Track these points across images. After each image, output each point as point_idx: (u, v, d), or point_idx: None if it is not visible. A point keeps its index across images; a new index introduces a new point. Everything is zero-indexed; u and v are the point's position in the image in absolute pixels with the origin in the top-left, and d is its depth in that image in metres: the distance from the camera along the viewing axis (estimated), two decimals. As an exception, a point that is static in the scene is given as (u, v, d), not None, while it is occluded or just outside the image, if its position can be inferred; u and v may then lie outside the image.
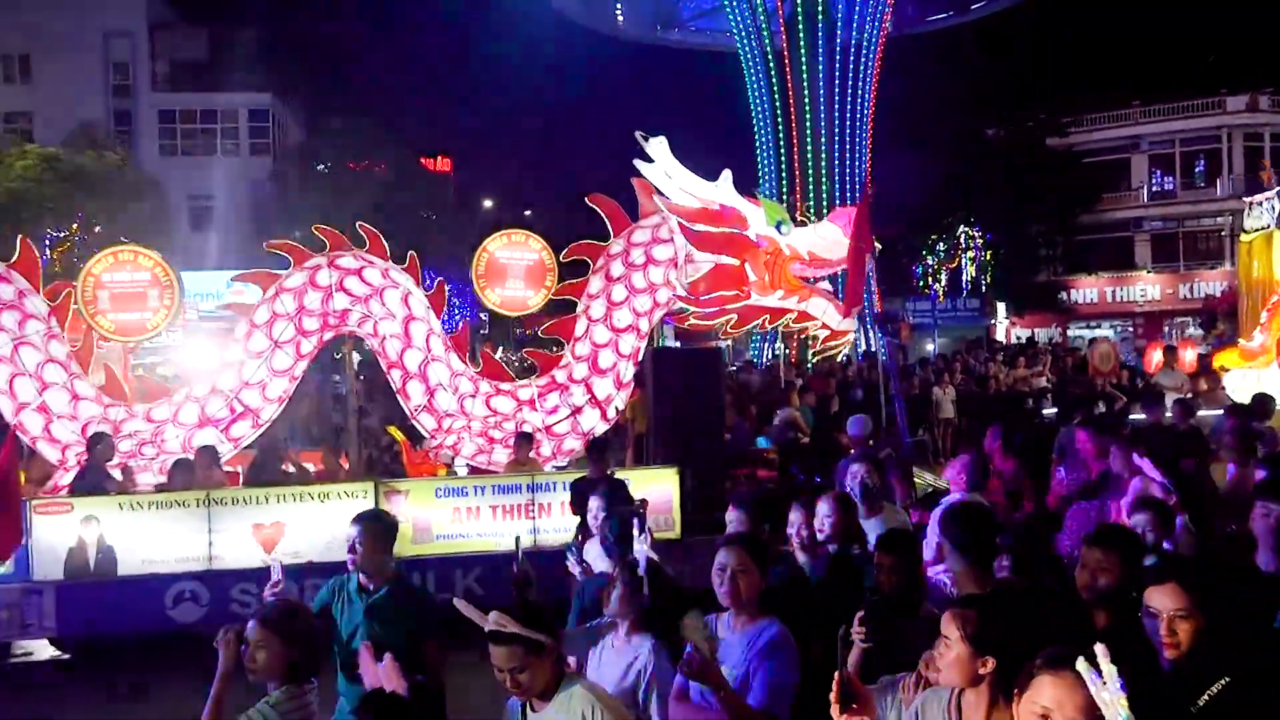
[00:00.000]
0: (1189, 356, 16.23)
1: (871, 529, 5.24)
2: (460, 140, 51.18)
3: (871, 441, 9.06)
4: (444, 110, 49.91)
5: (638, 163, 10.49)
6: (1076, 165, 37.38)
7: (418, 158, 49.19)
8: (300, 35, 46.46)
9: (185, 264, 8.97)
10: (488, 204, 51.28)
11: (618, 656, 3.90)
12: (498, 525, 9.19)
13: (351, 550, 4.44)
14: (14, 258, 9.58)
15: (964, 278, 37.21)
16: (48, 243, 32.51)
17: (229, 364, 9.72)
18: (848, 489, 5.66)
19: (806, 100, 31.79)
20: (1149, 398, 10.94)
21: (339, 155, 45.15)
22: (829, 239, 10.17)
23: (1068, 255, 38.40)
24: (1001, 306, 39.01)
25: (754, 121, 33.96)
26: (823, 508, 4.80)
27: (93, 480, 8.72)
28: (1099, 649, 2.09)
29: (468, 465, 10.20)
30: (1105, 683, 2.07)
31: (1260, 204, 15.37)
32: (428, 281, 10.36)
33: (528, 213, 53.23)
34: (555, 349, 10.94)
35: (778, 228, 10.20)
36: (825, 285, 10.59)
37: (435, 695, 4.32)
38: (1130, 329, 35.68)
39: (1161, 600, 3.00)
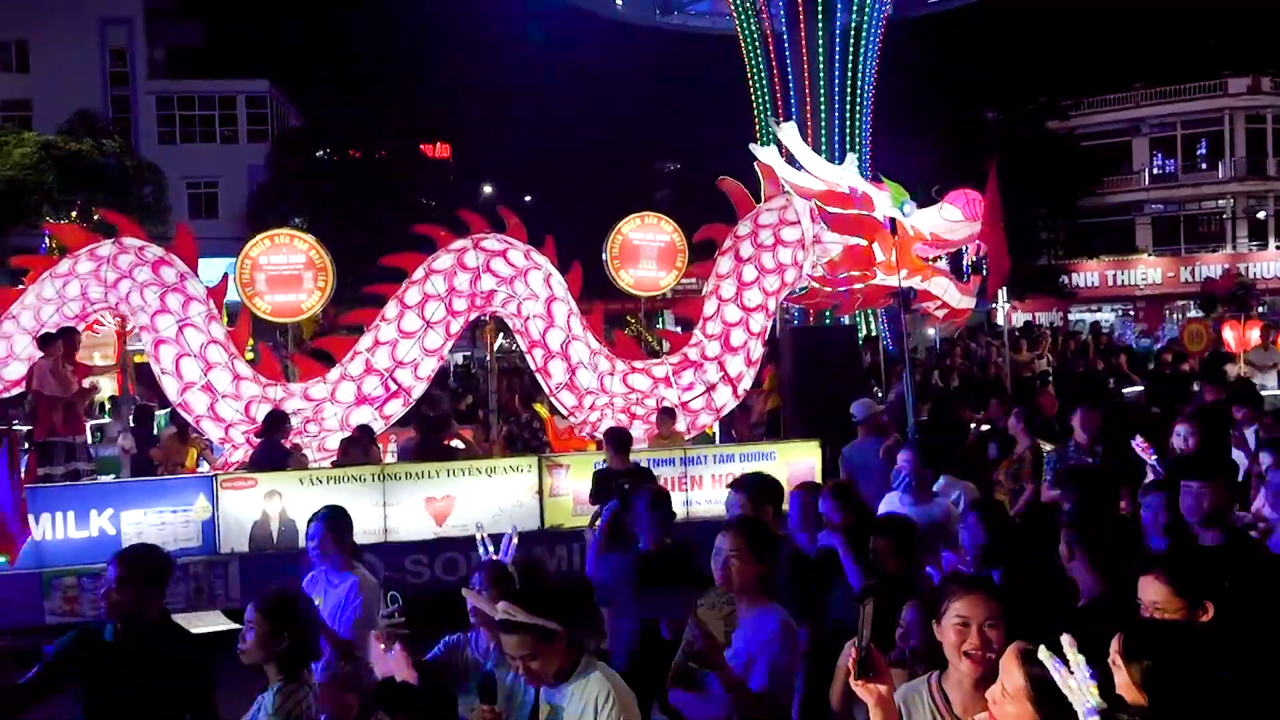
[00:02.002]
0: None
1: (919, 518, 5.27)
2: (459, 126, 50.90)
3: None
4: (442, 96, 49.72)
5: (754, 147, 10.87)
6: (1077, 149, 37.96)
7: (416, 144, 49.16)
8: (297, 22, 46.15)
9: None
10: (487, 190, 51.24)
11: None
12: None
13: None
14: (171, 242, 9.80)
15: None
16: (46, 232, 32.24)
17: (383, 343, 10.01)
18: (896, 475, 5.83)
19: (806, 84, 32.15)
20: (1211, 374, 11.33)
21: (337, 142, 45.10)
22: (950, 220, 10.60)
23: (1069, 239, 39.05)
24: (1002, 291, 39.59)
25: (753, 105, 34.32)
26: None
27: (273, 456, 8.99)
28: (1065, 639, 2.12)
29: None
30: (1073, 671, 2.10)
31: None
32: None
33: (527, 199, 53.32)
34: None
35: (901, 209, 10.61)
36: (944, 264, 11.02)
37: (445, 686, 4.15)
38: (1131, 312, 36.47)
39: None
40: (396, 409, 10.11)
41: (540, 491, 9.24)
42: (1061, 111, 38.58)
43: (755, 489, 4.85)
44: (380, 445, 10.90)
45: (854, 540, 4.71)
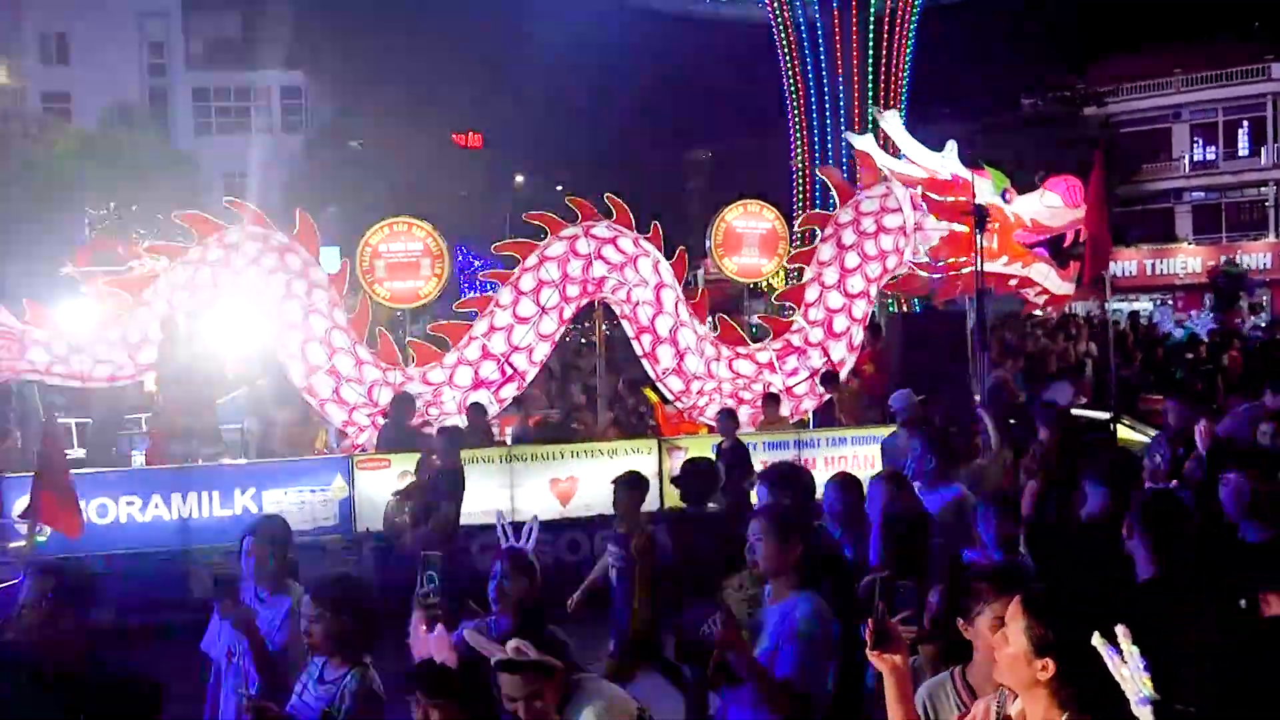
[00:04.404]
0: None
1: (931, 503, 5.36)
2: (491, 116, 51.05)
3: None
4: (474, 86, 49.85)
5: (850, 135, 11.05)
6: (1115, 136, 37.72)
7: (449, 134, 49.39)
8: (330, 13, 46.34)
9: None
10: (519, 179, 51.44)
11: None
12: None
13: None
14: (295, 229, 10.04)
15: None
16: (87, 221, 32.70)
17: (498, 329, 10.24)
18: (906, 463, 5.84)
19: (839, 70, 32.19)
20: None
21: (370, 132, 45.36)
22: (1051, 206, 10.76)
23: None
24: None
25: (786, 93, 34.36)
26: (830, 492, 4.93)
27: (401, 437, 9.23)
28: (1120, 630, 2.11)
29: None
30: (1125, 660, 2.09)
31: None
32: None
33: (559, 187, 53.41)
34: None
35: (1002, 195, 10.78)
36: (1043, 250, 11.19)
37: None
38: (1170, 302, 36.29)
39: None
40: (511, 392, 10.36)
41: (660, 473, 9.45)
42: (1099, 98, 38.34)
43: (777, 480, 4.82)
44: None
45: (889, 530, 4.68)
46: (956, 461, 6.85)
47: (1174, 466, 6.97)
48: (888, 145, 11.01)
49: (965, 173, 10.80)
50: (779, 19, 32.95)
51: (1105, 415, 10.34)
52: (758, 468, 9.70)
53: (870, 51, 31.63)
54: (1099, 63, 38.54)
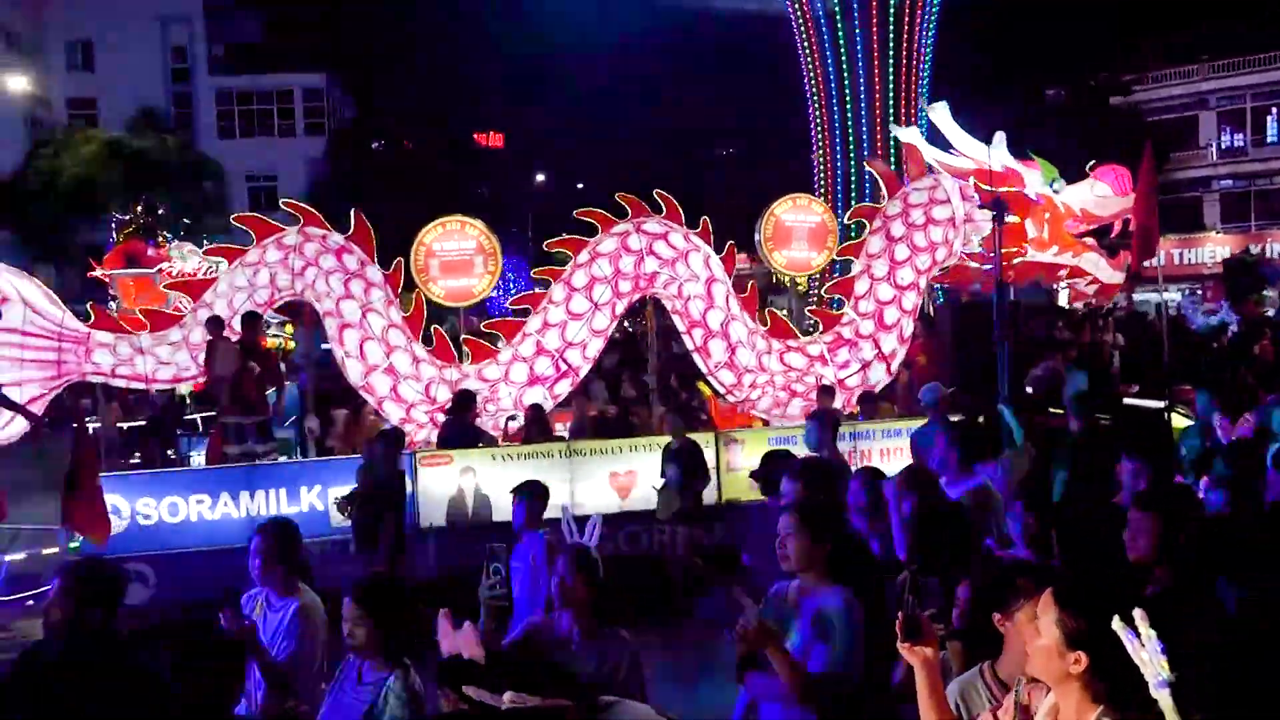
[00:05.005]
0: None
1: (955, 496, 5.37)
2: (510, 114, 51.17)
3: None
4: (493, 84, 49.97)
5: (895, 128, 11.05)
6: (1141, 124, 37.47)
7: (470, 134, 49.58)
8: (350, 15, 46.59)
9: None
10: (540, 178, 51.57)
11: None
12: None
13: None
14: (350, 230, 10.13)
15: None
16: (113, 225, 33.01)
17: (552, 325, 10.31)
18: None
19: (860, 62, 32.11)
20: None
21: (392, 133, 45.61)
22: (1100, 196, 10.75)
23: (1132, 217, 38.62)
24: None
25: (806, 87, 34.26)
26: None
27: (464, 434, 9.32)
28: (1138, 613, 2.12)
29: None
30: (1144, 644, 2.11)
31: None
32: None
33: (580, 185, 53.50)
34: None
35: (1051, 186, 10.77)
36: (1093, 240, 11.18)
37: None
38: (1199, 292, 36.03)
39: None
40: (565, 388, 10.43)
41: (718, 466, 9.51)
42: (1124, 87, 38.06)
43: (804, 474, 4.83)
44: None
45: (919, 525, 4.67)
46: (984, 454, 6.85)
47: (1201, 458, 6.98)
48: (935, 138, 11.00)
49: (1015, 164, 10.80)
50: (798, 12, 32.91)
51: (1159, 404, 10.33)
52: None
53: (890, 43, 31.54)
54: (1124, 50, 38.23)
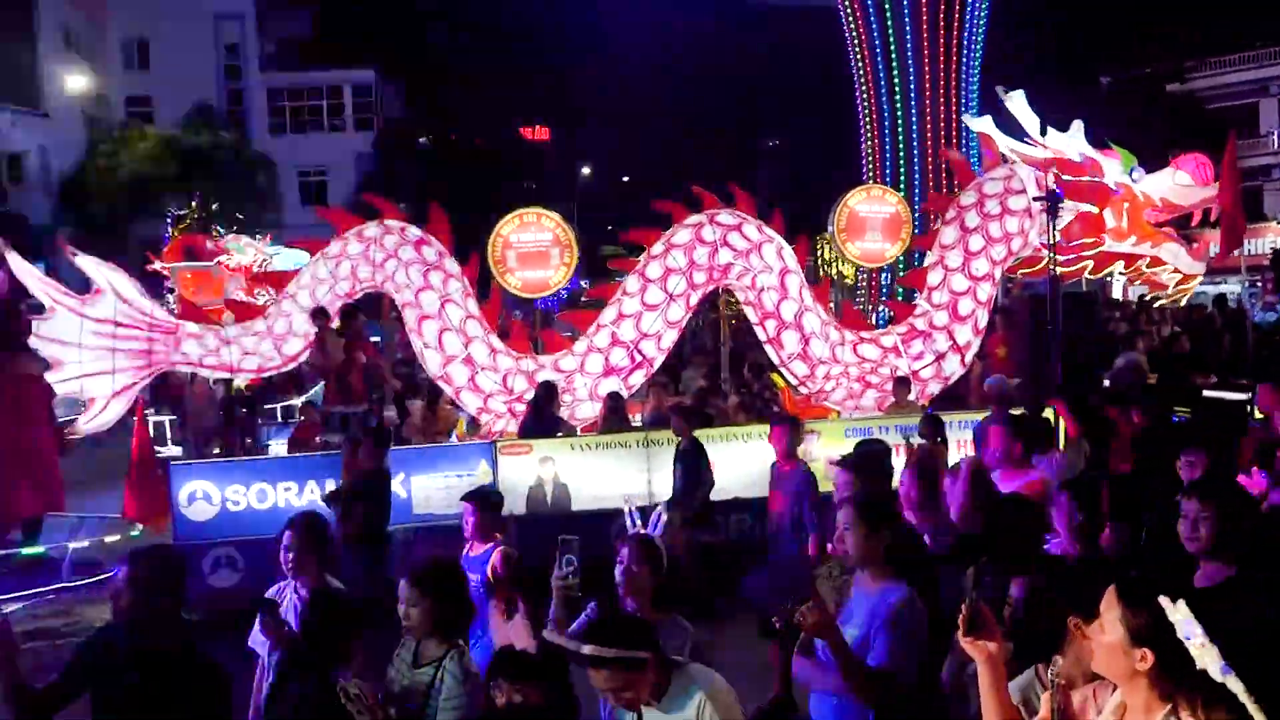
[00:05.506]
0: None
1: (1011, 489, 5.37)
2: (556, 108, 51.43)
3: None
4: (540, 79, 50.25)
5: (968, 118, 10.95)
6: (1200, 112, 36.71)
7: (516, 128, 49.87)
8: (399, 11, 47.06)
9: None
10: (585, 171, 51.75)
11: None
12: (899, 461, 9.78)
13: None
14: (427, 222, 10.25)
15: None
16: (169, 220, 33.62)
17: (626, 316, 10.36)
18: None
19: (910, 52, 31.83)
20: None
21: (439, 128, 45.96)
22: (1182, 184, 10.58)
23: (1191, 207, 37.83)
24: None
25: (855, 78, 34.01)
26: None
27: (545, 424, 9.40)
28: (1179, 604, 2.13)
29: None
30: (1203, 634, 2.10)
31: None
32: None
33: (625, 179, 53.63)
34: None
35: (1130, 175, 10.62)
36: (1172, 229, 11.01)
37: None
38: (1259, 283, 35.30)
39: None
40: (639, 379, 10.47)
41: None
42: (1181, 74, 37.32)
43: (856, 466, 4.91)
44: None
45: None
46: (1040, 447, 6.79)
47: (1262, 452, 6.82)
48: (1010, 128, 10.88)
49: (1094, 152, 10.66)
50: (847, 3, 32.72)
51: (1242, 396, 10.14)
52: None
53: (941, 32, 31.24)
54: (1182, 36, 37.51)
